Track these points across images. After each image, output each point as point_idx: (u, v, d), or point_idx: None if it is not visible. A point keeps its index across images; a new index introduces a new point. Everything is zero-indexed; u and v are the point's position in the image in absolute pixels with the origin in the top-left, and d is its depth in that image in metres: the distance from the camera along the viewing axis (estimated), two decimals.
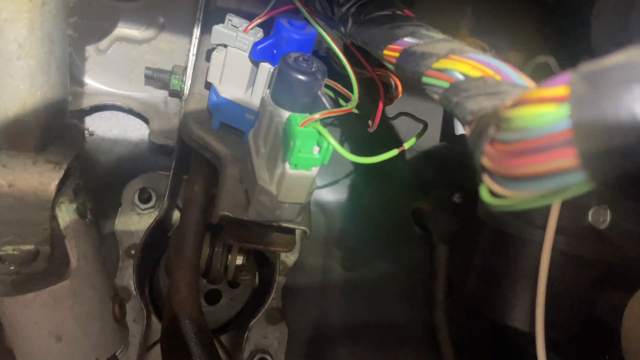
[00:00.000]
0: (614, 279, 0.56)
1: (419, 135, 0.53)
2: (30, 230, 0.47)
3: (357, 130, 0.83)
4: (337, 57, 0.51)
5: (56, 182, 0.45)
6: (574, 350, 0.60)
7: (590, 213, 0.54)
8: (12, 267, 0.48)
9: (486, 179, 0.26)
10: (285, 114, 0.46)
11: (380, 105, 0.56)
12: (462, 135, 0.86)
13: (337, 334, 0.83)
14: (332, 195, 0.88)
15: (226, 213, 0.49)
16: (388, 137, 0.82)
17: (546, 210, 0.53)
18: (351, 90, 0.53)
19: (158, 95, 0.75)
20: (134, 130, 0.77)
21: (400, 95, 0.59)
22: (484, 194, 0.27)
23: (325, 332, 0.82)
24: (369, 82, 0.58)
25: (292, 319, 0.80)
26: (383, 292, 0.85)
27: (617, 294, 0.55)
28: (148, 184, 0.77)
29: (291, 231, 0.54)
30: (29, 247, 0.47)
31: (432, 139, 0.90)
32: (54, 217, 0.48)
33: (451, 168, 0.88)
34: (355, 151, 0.90)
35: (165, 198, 0.72)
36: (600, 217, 0.53)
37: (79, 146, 0.50)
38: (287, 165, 0.44)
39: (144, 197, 0.78)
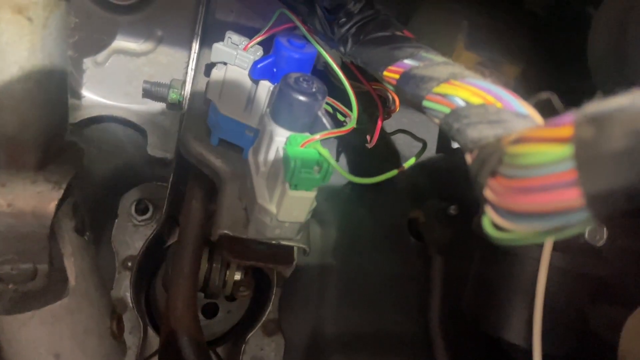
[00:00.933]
0: (610, 295, 0.56)
1: (418, 155, 0.54)
2: (29, 249, 0.46)
3: (355, 144, 0.84)
4: (336, 75, 0.51)
5: (55, 202, 0.45)
6: None
7: (586, 230, 0.54)
8: (10, 286, 0.48)
9: (489, 211, 0.27)
10: (286, 133, 0.46)
11: (379, 121, 0.56)
12: (458, 148, 0.86)
13: (333, 344, 0.83)
14: (328, 205, 0.88)
15: (226, 231, 0.49)
16: (387, 150, 0.83)
17: None
18: (349, 105, 0.53)
19: (156, 107, 0.75)
20: (131, 142, 0.77)
21: (397, 110, 0.60)
22: (487, 226, 0.27)
23: (321, 343, 0.82)
24: (366, 95, 0.58)
25: (289, 329, 0.80)
26: (379, 302, 0.85)
27: (613, 310, 0.55)
28: (145, 195, 0.77)
29: (290, 248, 0.54)
30: (28, 265, 0.47)
31: (429, 150, 0.91)
32: (52, 236, 0.48)
33: (447, 179, 0.89)
34: (354, 164, 0.90)
35: (164, 211, 0.72)
36: (597, 234, 0.54)
37: (78, 164, 0.50)
38: (287, 185, 0.44)
39: (141, 209, 0.78)
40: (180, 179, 0.71)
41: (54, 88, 0.43)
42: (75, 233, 0.50)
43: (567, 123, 0.22)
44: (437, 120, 0.37)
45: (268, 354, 0.78)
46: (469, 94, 0.34)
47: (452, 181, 0.86)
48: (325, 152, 0.43)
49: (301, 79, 0.46)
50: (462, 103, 0.34)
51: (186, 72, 0.64)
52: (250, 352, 0.77)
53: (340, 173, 0.44)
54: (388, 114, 0.60)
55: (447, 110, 0.35)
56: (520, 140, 0.24)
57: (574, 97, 0.31)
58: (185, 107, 0.62)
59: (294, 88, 0.45)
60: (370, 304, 0.85)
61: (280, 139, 0.46)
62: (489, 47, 0.72)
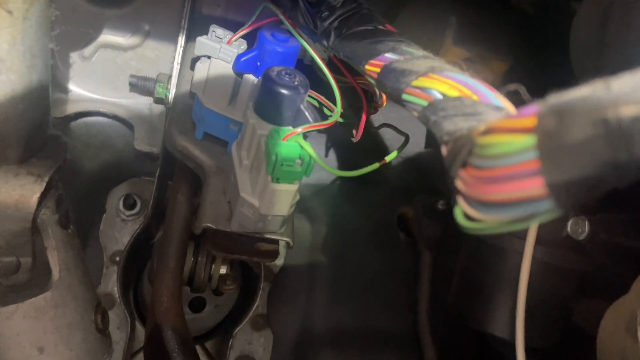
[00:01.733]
0: (592, 288, 0.57)
1: (400, 148, 0.54)
2: (12, 243, 0.46)
3: (343, 138, 0.84)
4: (320, 68, 0.51)
5: (37, 194, 0.45)
6: (554, 359, 0.61)
7: (569, 224, 0.54)
8: None
9: (460, 201, 0.27)
10: (268, 127, 0.47)
11: (364, 116, 0.56)
12: None
13: (322, 340, 0.83)
14: (317, 201, 0.89)
15: (209, 224, 0.50)
16: (374, 144, 0.83)
17: None
18: (335, 101, 0.53)
19: (143, 101, 0.75)
20: (119, 137, 0.77)
21: (385, 104, 0.60)
22: (459, 216, 0.27)
23: (310, 338, 0.82)
24: (354, 90, 0.59)
25: (278, 325, 0.80)
26: (368, 298, 0.86)
27: (595, 303, 0.56)
28: (133, 190, 0.77)
29: (274, 241, 0.54)
30: (11, 259, 0.47)
31: (418, 145, 0.91)
32: (35, 229, 0.48)
33: (436, 174, 0.89)
34: (341, 158, 0.90)
35: (150, 205, 0.72)
36: (579, 228, 0.54)
37: (61, 158, 0.50)
38: (269, 178, 0.44)
39: (129, 204, 0.78)
40: (167, 173, 0.71)
41: (35, 81, 0.43)
42: (59, 226, 0.50)
43: (531, 114, 0.22)
44: (415, 113, 0.37)
45: (256, 348, 0.79)
46: (446, 87, 0.35)
47: (440, 176, 0.87)
48: (307, 145, 0.43)
49: (283, 73, 0.46)
50: (439, 96, 0.35)
51: (172, 67, 0.64)
52: (238, 347, 0.77)
53: (322, 166, 0.44)
54: (375, 108, 0.60)
55: (425, 103, 0.36)
56: (488, 131, 0.25)
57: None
58: (171, 101, 0.62)
59: (276, 81, 0.45)
60: (360, 299, 0.85)
61: (263, 132, 0.46)
62: (477, 43, 0.73)
